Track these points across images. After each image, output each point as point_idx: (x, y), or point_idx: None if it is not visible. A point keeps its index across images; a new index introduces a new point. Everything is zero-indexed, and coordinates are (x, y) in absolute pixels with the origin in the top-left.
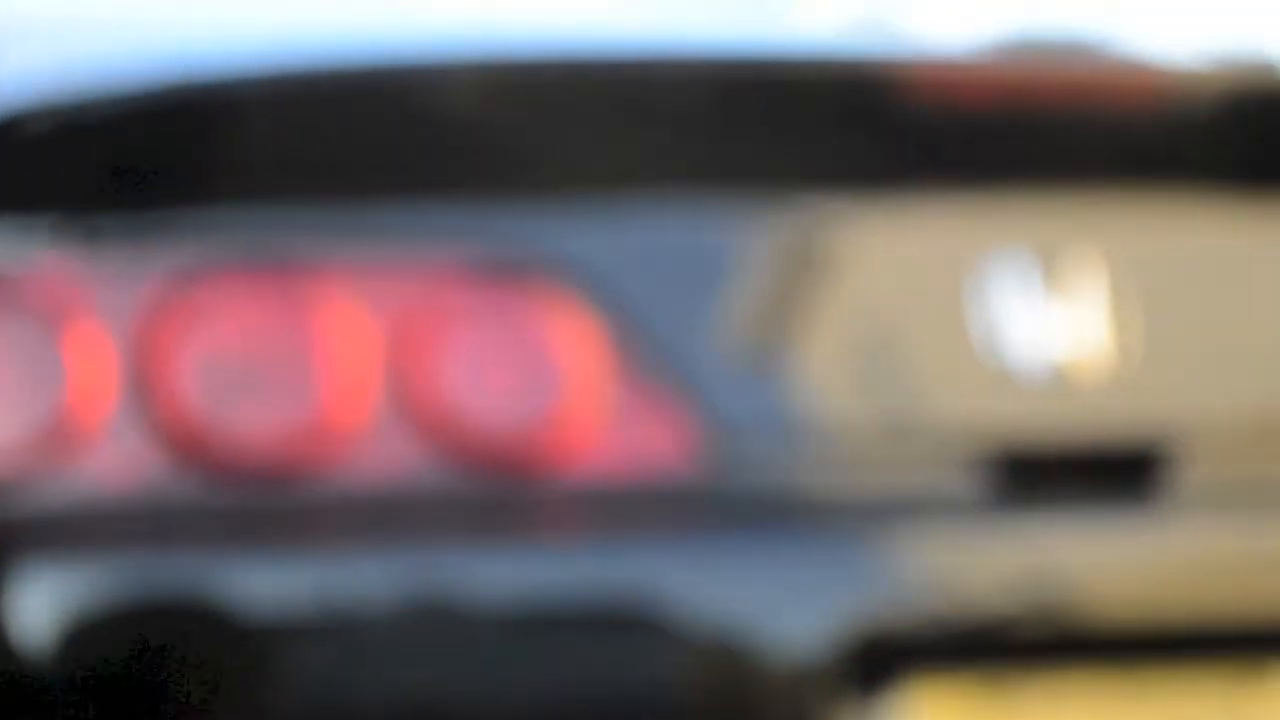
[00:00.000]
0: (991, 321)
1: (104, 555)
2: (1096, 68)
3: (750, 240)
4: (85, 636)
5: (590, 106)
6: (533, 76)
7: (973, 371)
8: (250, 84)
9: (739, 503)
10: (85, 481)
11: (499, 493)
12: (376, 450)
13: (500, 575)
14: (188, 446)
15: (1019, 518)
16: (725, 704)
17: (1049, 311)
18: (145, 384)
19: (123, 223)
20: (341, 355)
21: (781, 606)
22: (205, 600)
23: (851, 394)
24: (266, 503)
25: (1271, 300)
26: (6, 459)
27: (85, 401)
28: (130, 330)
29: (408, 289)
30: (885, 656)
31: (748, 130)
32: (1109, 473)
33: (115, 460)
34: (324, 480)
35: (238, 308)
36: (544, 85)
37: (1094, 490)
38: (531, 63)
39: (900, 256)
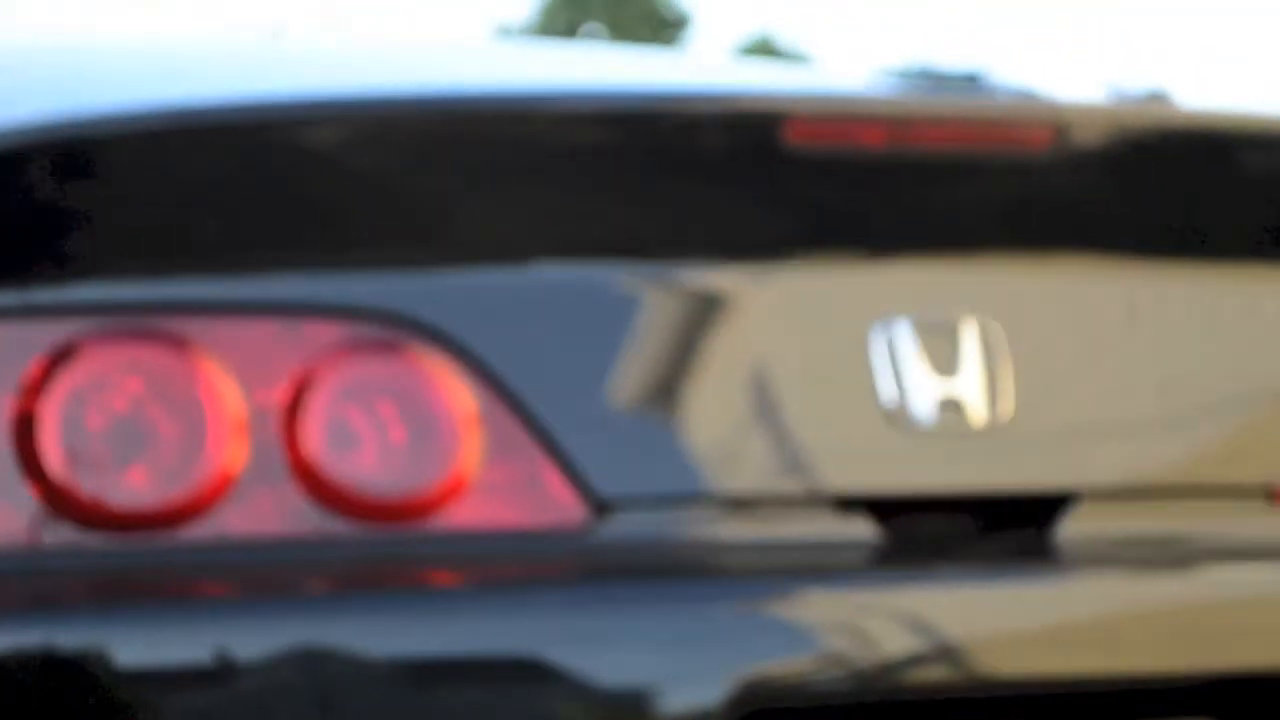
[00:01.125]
0: (878, 381)
1: None
2: (985, 111)
3: (631, 300)
4: None
5: (464, 165)
6: (405, 137)
7: (856, 431)
8: (111, 148)
9: (617, 560)
10: None
11: (374, 552)
12: (249, 514)
13: (375, 632)
14: (62, 508)
15: (904, 576)
16: None
17: (937, 370)
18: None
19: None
20: (217, 424)
21: (660, 665)
22: (77, 655)
23: (734, 454)
24: (140, 561)
25: (1157, 358)
26: None
27: None
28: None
29: (282, 356)
30: (768, 715)
31: (628, 187)
32: (997, 531)
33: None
34: (198, 541)
35: (113, 380)
36: (416, 145)
37: (982, 548)
38: (404, 120)
39: (787, 315)
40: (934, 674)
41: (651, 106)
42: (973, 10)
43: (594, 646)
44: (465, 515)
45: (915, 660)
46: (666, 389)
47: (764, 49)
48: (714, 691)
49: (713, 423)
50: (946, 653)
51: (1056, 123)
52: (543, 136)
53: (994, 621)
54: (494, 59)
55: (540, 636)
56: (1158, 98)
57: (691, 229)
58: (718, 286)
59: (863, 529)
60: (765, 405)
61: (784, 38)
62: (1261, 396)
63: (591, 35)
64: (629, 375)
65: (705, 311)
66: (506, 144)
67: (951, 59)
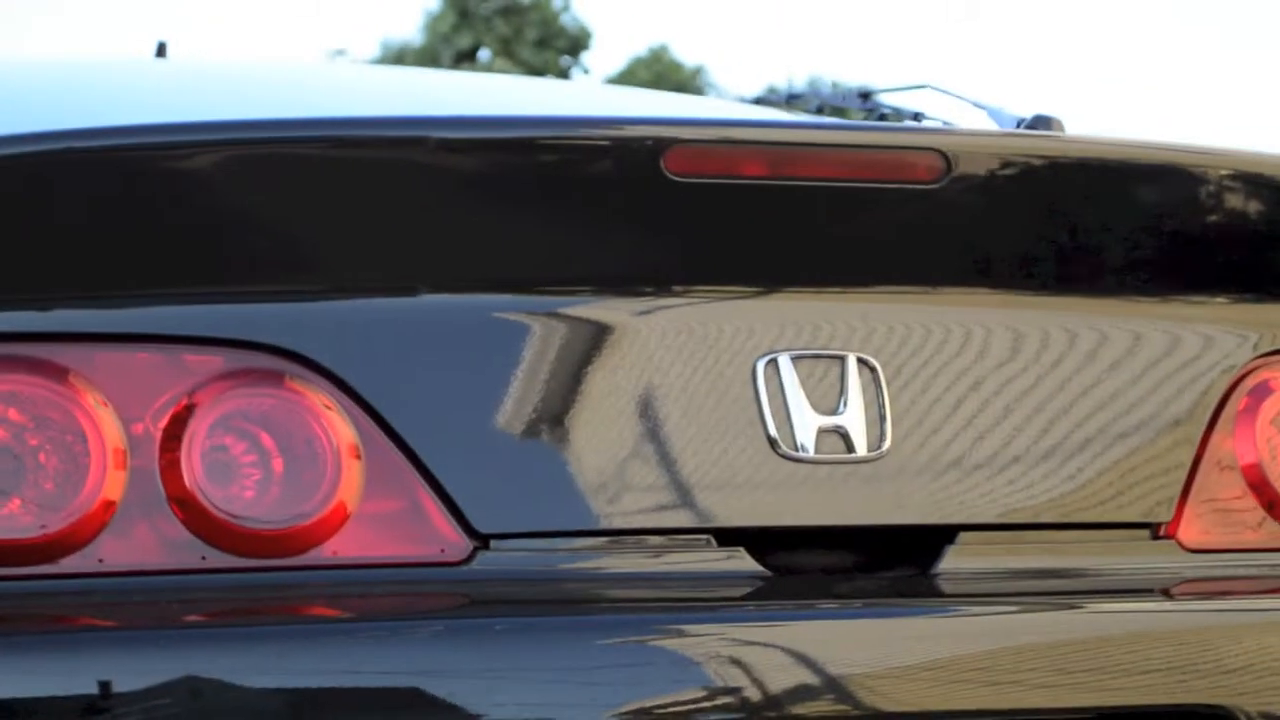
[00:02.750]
0: (762, 415)
1: None
2: (871, 141)
3: (514, 332)
4: None
5: (347, 195)
6: (288, 166)
7: (739, 464)
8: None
9: (496, 593)
10: None
11: (253, 583)
12: (128, 545)
13: (254, 665)
14: None
15: (786, 611)
16: None
17: (821, 404)
18: None
19: None
20: (95, 454)
21: (539, 699)
22: None
23: (616, 487)
24: (17, 593)
25: (1042, 393)
26: None
27: None
28: None
29: (162, 386)
30: None
31: (510, 217)
32: (879, 565)
33: None
34: (76, 572)
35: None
36: (298, 174)
37: (863, 583)
38: (286, 148)
39: (670, 348)
40: (815, 709)
41: (533, 135)
42: (869, 25)
43: (472, 680)
44: (344, 547)
45: (796, 694)
46: (549, 422)
47: (660, 61)
48: None
49: (595, 456)
50: (827, 688)
51: (943, 153)
52: (424, 165)
53: (874, 656)
54: (376, 85)
55: (419, 669)
56: (1044, 121)
57: (574, 260)
58: (600, 318)
59: (745, 562)
60: (648, 438)
61: (681, 50)
62: (1146, 431)
63: (484, 58)
64: (511, 407)
65: (588, 344)
66: (389, 173)
67: (846, 73)
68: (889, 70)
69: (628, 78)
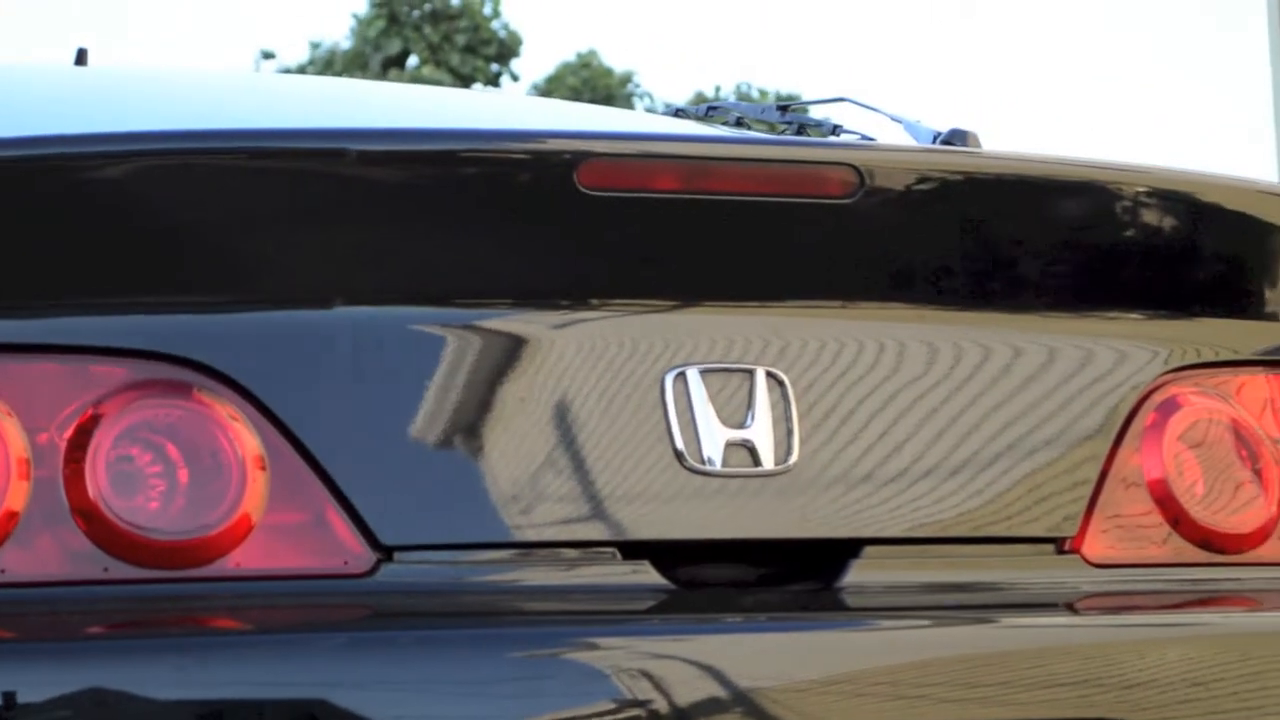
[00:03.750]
0: (670, 428)
1: None
2: (784, 156)
3: (421, 344)
4: None
5: (254, 205)
6: (196, 176)
7: (647, 478)
8: None
9: (401, 605)
10: None
11: (158, 595)
12: (31, 556)
13: (159, 677)
14: None
15: (691, 624)
16: None
17: (729, 418)
18: None
19: None
20: (1, 462)
21: (442, 711)
22: None
23: (524, 500)
24: None
25: (949, 408)
26: None
27: None
28: None
29: (66, 397)
30: None
31: (419, 229)
32: (785, 578)
33: None
34: None
35: None
36: (206, 184)
37: (769, 596)
38: (195, 158)
39: (580, 361)
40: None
41: (445, 148)
42: (797, 33)
43: (374, 692)
44: (248, 558)
45: (701, 708)
46: (456, 434)
47: (589, 67)
48: None
49: (502, 468)
50: (731, 702)
51: (855, 169)
52: (334, 177)
53: (779, 670)
54: (293, 95)
55: (322, 681)
56: (959, 135)
57: (485, 273)
58: (510, 331)
59: (650, 576)
60: (556, 451)
61: (610, 56)
62: (1053, 446)
63: (412, 64)
64: (419, 420)
65: (497, 356)
66: (296, 184)
67: (774, 80)
68: (821, 77)
69: (556, 83)
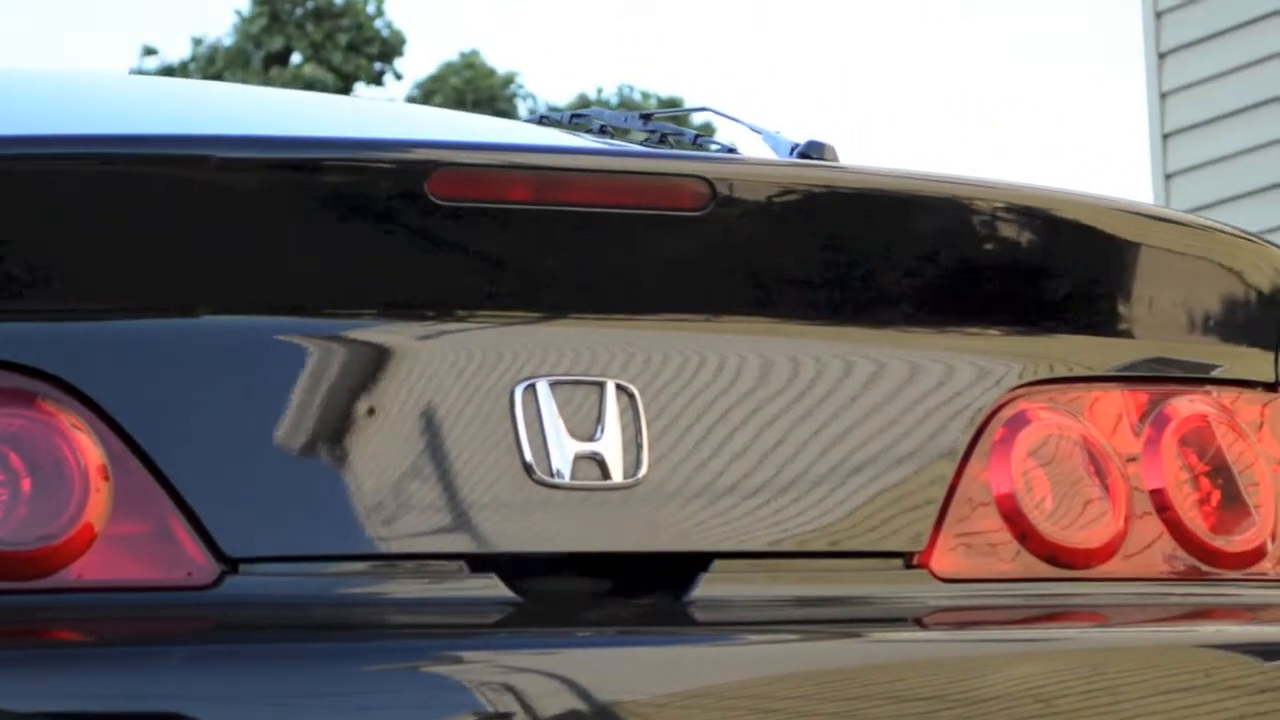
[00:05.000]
0: (519, 441)
1: None
2: (636, 168)
3: (269, 355)
4: None
5: (101, 212)
6: (40, 181)
7: (496, 490)
8: None
9: (245, 618)
10: None
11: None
12: None
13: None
14: None
15: (538, 637)
16: None
17: (579, 430)
18: None
19: None
20: None
21: None
22: None
23: (372, 512)
24: None
25: (800, 422)
26: None
27: None
28: None
29: None
30: None
31: (270, 238)
32: (634, 592)
33: None
34: None
35: None
36: (51, 190)
37: (618, 610)
38: (39, 164)
39: (430, 372)
40: None
41: (297, 156)
42: (681, 36)
43: (217, 706)
44: (90, 570)
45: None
46: (304, 445)
47: (472, 67)
48: None
49: (350, 480)
50: (576, 715)
51: (707, 181)
52: (182, 183)
53: (625, 684)
54: (146, 99)
55: (165, 694)
56: (816, 147)
57: (334, 283)
58: (360, 342)
59: (497, 589)
60: (404, 464)
61: (494, 57)
62: (903, 460)
63: (295, 61)
64: (265, 431)
65: (346, 367)
66: (142, 191)
67: (657, 83)
68: (705, 81)
69: (439, 83)
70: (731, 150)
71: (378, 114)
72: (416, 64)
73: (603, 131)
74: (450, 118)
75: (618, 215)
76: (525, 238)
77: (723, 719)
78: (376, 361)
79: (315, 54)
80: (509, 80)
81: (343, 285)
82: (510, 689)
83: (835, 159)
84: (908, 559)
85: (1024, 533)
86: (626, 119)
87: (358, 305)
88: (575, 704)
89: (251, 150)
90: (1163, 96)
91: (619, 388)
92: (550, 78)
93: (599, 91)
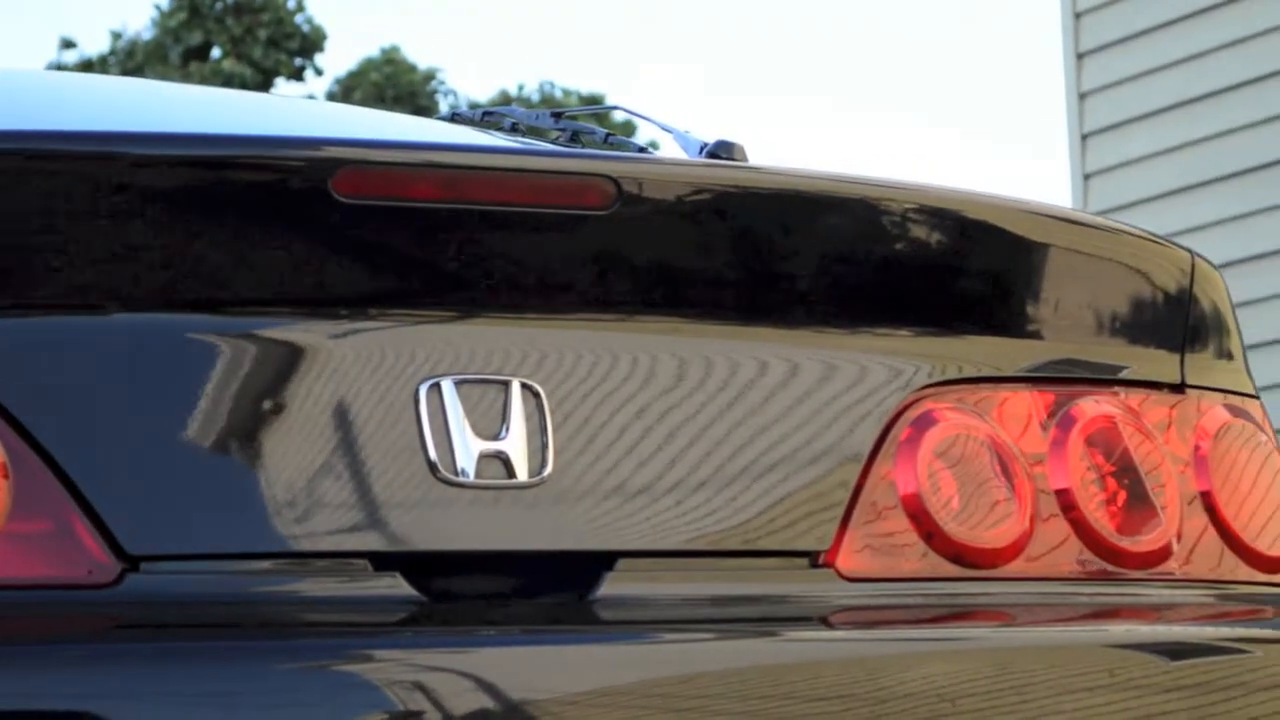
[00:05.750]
0: (424, 439)
1: None
2: (542, 167)
3: (173, 352)
4: None
5: (1, 212)
6: None
7: (401, 489)
8: None
9: (146, 616)
10: None
11: None
12: None
13: None
14: None
15: (440, 636)
16: None
17: (484, 429)
18: None
19: None
20: None
21: None
22: None
23: (276, 510)
24: None
25: (705, 421)
26: None
27: None
28: None
29: None
30: None
31: (175, 235)
32: (539, 591)
33: None
34: None
35: None
36: None
37: (523, 609)
38: None
39: (335, 371)
40: None
41: (201, 153)
42: (602, 33)
43: (116, 704)
44: None
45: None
46: (208, 443)
47: (393, 63)
48: None
49: (254, 478)
50: (479, 714)
51: (613, 180)
52: (86, 181)
53: (528, 683)
54: (48, 96)
55: (63, 693)
56: (726, 146)
57: (238, 280)
58: (264, 340)
59: (401, 588)
60: (308, 462)
61: (415, 52)
62: (810, 459)
63: (215, 56)
64: (169, 429)
65: (251, 365)
66: (45, 187)
67: (579, 80)
68: (626, 79)
69: (359, 79)
70: (644, 150)
71: (285, 111)
72: (337, 59)
73: (514, 130)
74: (360, 115)
75: (524, 214)
76: (431, 236)
77: (624, 718)
78: (281, 360)
79: (235, 49)
80: (430, 76)
81: (248, 284)
82: (411, 688)
83: (744, 158)
84: (814, 558)
85: (930, 532)
86: (538, 117)
87: (263, 304)
88: (476, 704)
89: (156, 147)
90: (1081, 97)
91: (524, 386)
92: (472, 74)
93: (520, 88)
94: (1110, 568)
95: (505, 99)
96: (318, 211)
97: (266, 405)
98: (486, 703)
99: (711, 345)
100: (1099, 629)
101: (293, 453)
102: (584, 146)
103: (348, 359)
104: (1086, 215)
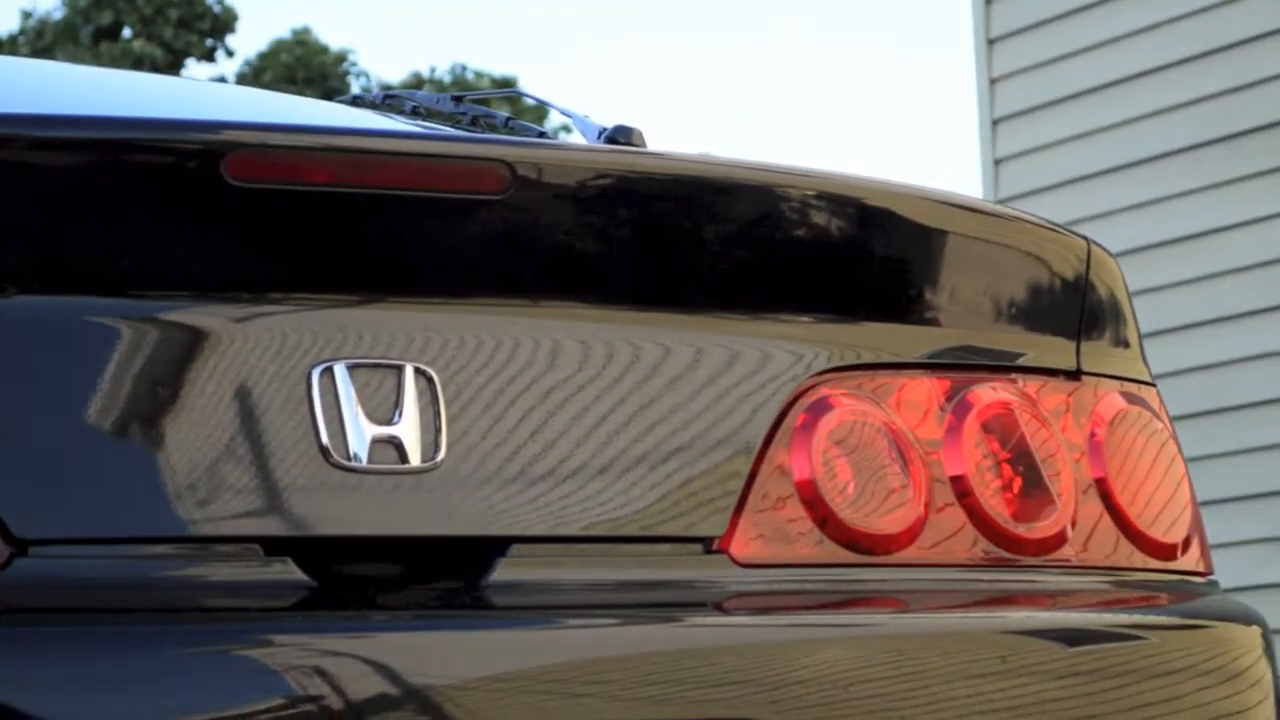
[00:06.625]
0: (316, 424)
1: None
2: (437, 151)
3: (61, 336)
4: None
5: None
6: None
7: (293, 474)
8: None
9: (34, 601)
10: None
11: None
12: None
13: None
14: None
15: (330, 621)
16: None
17: (376, 414)
18: None
19: None
20: None
21: (71, 710)
22: None
23: (167, 495)
24: None
25: (599, 407)
26: None
27: None
28: None
29: None
30: None
31: (63, 217)
32: (430, 576)
33: None
34: None
35: None
36: None
37: (413, 594)
38: None
39: (227, 355)
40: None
41: (93, 136)
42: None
43: (5, 689)
44: None
45: (335, 706)
46: (101, 427)
47: (304, 44)
48: None
49: (146, 463)
50: (366, 699)
51: (508, 165)
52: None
53: (421, 668)
54: None
55: None
56: (624, 131)
57: (130, 264)
58: (159, 324)
59: (294, 572)
60: (199, 447)
61: (326, 33)
62: (705, 446)
63: (126, 35)
64: (60, 412)
65: (145, 349)
66: None
67: (492, 62)
68: (539, 62)
69: (270, 60)
70: (543, 135)
71: (183, 94)
72: (249, 41)
73: (415, 113)
74: (258, 98)
75: (418, 198)
76: (324, 220)
77: (515, 704)
78: (174, 344)
79: (146, 29)
80: (341, 58)
81: (141, 267)
82: (301, 673)
83: (643, 144)
84: (708, 544)
85: (824, 519)
86: (439, 101)
87: (155, 287)
88: (366, 688)
89: (48, 129)
90: (992, 82)
91: (417, 371)
92: (384, 56)
93: (432, 70)
94: (1005, 554)
95: (418, 81)
96: (210, 195)
97: (159, 389)
98: (376, 687)
99: (607, 331)
100: (994, 615)
101: (185, 437)
102: (484, 131)
103: (241, 343)
104: (985, 203)
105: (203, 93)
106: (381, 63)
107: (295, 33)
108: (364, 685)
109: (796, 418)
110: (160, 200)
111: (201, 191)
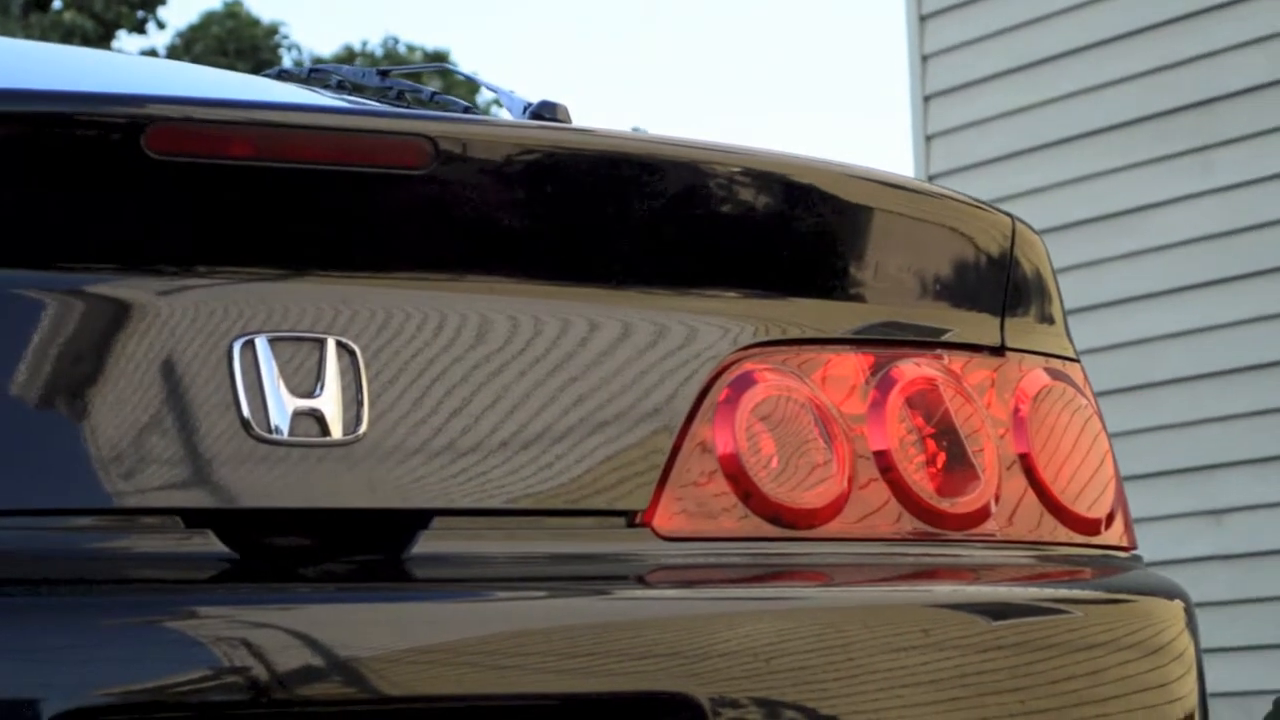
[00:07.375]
0: (236, 397)
1: None
2: (359, 125)
3: None
4: None
5: None
6: None
7: (214, 447)
8: None
9: None
10: None
11: None
12: None
13: None
14: None
15: (251, 593)
16: None
17: (296, 387)
18: None
19: None
20: None
21: None
22: None
23: (86, 466)
24: None
25: (522, 380)
26: None
27: None
28: None
29: None
30: None
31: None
32: (352, 549)
33: None
34: None
35: None
36: None
37: (334, 567)
38: None
39: (147, 328)
40: (281, 693)
41: (10, 108)
42: None
43: None
44: None
45: (256, 677)
46: (22, 400)
47: (235, 16)
48: (42, 712)
49: (66, 435)
50: (292, 672)
51: (430, 139)
52: None
53: (341, 639)
54: None
55: None
56: (549, 107)
57: (51, 237)
58: (79, 297)
59: (212, 544)
60: (119, 419)
61: (258, 5)
62: (629, 420)
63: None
64: None
65: (65, 323)
66: None
67: (424, 35)
68: (471, 35)
69: (200, 32)
70: (468, 109)
71: (104, 66)
72: (180, 13)
73: (340, 87)
74: (182, 71)
75: (340, 173)
76: (246, 194)
77: (431, 674)
78: (95, 317)
79: (76, 1)
80: (273, 31)
81: (61, 241)
82: (221, 644)
83: (568, 119)
84: (630, 518)
85: (748, 492)
86: (365, 75)
87: (77, 260)
88: (286, 659)
89: None
90: (924, 59)
91: (340, 345)
92: (316, 29)
93: (364, 44)
94: (929, 529)
95: (349, 55)
96: (130, 168)
97: (80, 362)
98: (298, 659)
99: (531, 305)
100: (917, 589)
101: (106, 410)
102: (409, 106)
103: (162, 316)
104: (910, 179)
105: (126, 66)
106: (314, 36)
107: (227, 5)
108: (286, 657)
109: (720, 392)
110: (81, 174)
111: (123, 165)
